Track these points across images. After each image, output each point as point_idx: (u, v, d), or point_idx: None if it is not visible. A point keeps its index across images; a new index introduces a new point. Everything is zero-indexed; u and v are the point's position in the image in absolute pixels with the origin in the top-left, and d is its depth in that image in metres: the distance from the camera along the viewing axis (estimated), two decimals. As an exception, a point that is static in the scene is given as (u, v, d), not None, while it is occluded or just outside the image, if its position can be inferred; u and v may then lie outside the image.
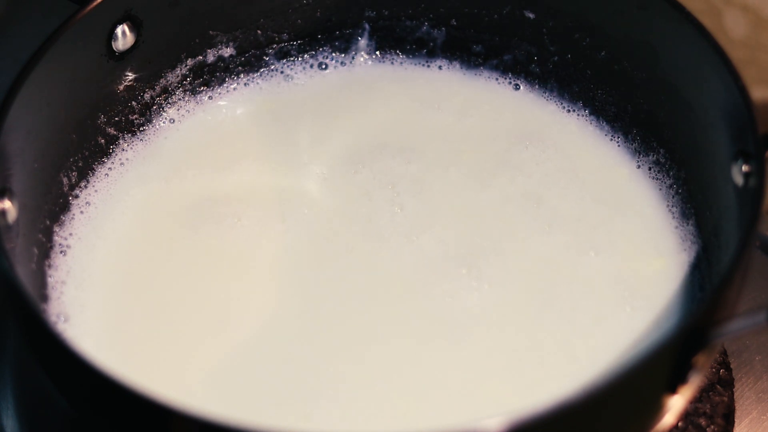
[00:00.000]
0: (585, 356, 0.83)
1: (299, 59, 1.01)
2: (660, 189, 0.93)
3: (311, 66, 1.01)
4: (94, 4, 0.86)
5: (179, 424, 0.69)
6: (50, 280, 0.86)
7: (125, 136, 0.95)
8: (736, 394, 0.92)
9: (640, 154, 0.95)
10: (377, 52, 1.02)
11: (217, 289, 0.86)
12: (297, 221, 0.90)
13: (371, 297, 0.86)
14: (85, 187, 0.92)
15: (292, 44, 1.01)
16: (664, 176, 0.93)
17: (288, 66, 1.01)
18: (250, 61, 1.00)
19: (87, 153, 0.92)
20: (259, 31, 0.99)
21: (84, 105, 0.90)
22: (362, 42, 1.02)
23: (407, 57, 1.02)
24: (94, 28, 0.88)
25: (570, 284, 0.86)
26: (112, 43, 0.90)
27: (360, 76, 1.01)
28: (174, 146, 0.96)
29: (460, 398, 0.80)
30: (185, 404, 0.68)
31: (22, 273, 0.78)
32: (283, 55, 1.01)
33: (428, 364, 0.82)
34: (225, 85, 1.00)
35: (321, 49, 1.01)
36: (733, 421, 0.91)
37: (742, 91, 0.81)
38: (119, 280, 0.87)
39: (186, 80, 0.98)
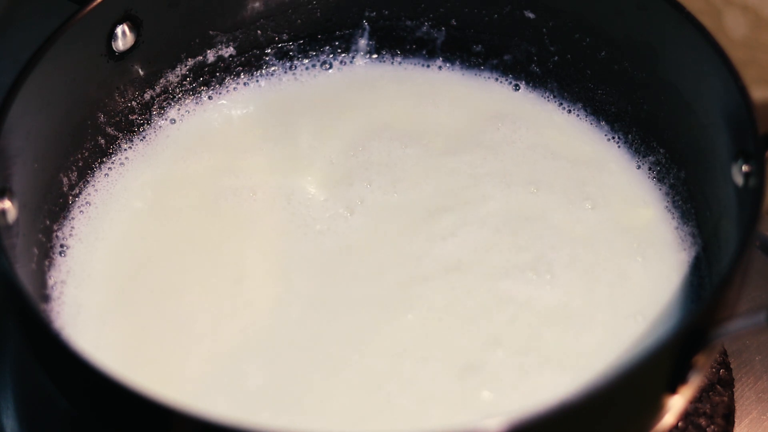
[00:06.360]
0: (631, 316, 0.84)
1: (299, 59, 1.01)
2: (660, 189, 0.93)
3: (311, 66, 1.01)
4: (94, 4, 0.86)
5: (179, 424, 0.69)
6: (50, 280, 0.86)
7: (125, 136, 0.95)
8: (736, 394, 0.92)
9: (640, 154, 0.95)
10: (377, 52, 1.02)
11: (216, 289, 0.86)
12: (300, 219, 0.91)
13: (372, 290, 0.86)
14: (85, 187, 0.92)
15: (292, 44, 1.01)
16: (664, 176, 0.93)
17: (288, 66, 1.01)
18: (250, 61, 1.00)
19: (87, 153, 0.92)
20: (259, 31, 0.99)
21: (84, 105, 0.90)
22: (362, 42, 1.02)
23: (407, 57, 1.02)
24: (94, 28, 0.88)
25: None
26: (112, 43, 0.90)
27: (360, 76, 1.01)
28: (174, 146, 0.96)
29: (499, 388, 0.81)
30: (185, 404, 0.68)
31: (22, 273, 0.78)
32: (283, 55, 1.01)
33: (437, 359, 0.82)
34: (225, 85, 1.00)
35: (321, 49, 1.01)
36: (733, 421, 0.91)
37: (742, 91, 0.81)
38: (119, 280, 0.87)
39: (186, 80, 0.98)
